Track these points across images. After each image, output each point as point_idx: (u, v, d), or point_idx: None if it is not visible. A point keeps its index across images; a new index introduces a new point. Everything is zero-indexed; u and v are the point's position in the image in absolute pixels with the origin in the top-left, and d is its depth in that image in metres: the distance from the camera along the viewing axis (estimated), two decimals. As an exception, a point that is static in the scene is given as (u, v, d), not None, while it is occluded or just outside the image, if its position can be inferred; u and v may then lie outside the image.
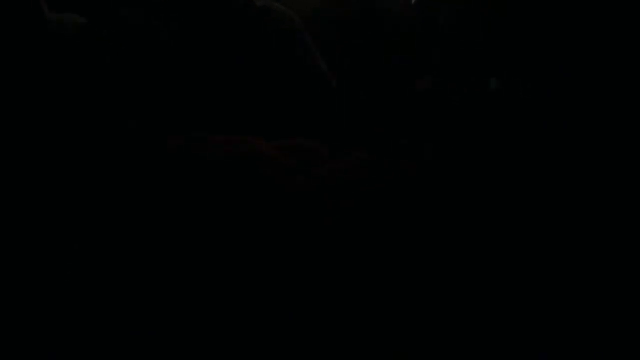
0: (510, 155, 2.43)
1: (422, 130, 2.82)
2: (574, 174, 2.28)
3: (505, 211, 2.05)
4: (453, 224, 1.99)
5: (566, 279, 1.85)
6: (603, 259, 1.90)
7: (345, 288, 1.81)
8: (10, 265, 1.85)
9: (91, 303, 1.76)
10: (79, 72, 2.70)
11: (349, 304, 1.77)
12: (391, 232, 1.96)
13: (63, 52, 2.70)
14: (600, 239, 1.96)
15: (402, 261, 1.88)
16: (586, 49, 2.86)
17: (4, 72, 2.54)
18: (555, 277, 1.85)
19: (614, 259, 1.91)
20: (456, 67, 3.18)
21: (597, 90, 2.76)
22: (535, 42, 3.00)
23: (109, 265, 1.86)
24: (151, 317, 1.74)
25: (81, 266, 1.85)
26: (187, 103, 2.78)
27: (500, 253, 1.91)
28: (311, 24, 3.10)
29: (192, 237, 1.92)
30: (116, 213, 2.01)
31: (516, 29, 3.07)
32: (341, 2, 3.37)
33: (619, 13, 2.82)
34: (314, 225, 1.96)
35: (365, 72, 3.28)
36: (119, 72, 2.75)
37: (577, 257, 1.91)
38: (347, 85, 3.10)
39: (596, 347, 1.70)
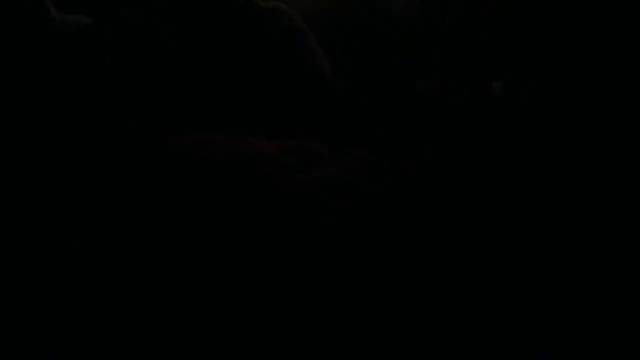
0: (510, 155, 2.43)
1: (422, 130, 2.81)
2: (575, 174, 2.28)
3: (506, 211, 2.05)
4: (453, 224, 1.99)
5: (566, 279, 1.85)
6: (603, 259, 1.90)
7: (345, 288, 1.81)
8: (9, 265, 1.84)
9: (91, 303, 1.76)
10: (80, 72, 2.70)
11: (348, 304, 1.77)
12: (391, 232, 1.95)
13: (64, 51, 2.70)
14: (601, 239, 1.96)
15: (402, 261, 1.88)
16: (587, 50, 2.86)
17: (6, 70, 2.55)
18: (556, 277, 1.85)
19: (614, 259, 1.91)
20: (457, 67, 3.18)
21: (598, 91, 2.76)
22: (536, 42, 2.99)
23: (109, 264, 1.86)
24: (151, 317, 1.74)
25: (81, 266, 1.85)
26: (187, 103, 2.78)
27: (500, 253, 1.91)
28: (311, 24, 3.10)
29: (192, 236, 1.92)
30: (116, 213, 2.01)
31: (517, 29, 3.07)
32: (341, 2, 3.37)
33: (619, 13, 2.82)
34: (314, 225, 1.96)
35: (365, 72, 3.27)
36: (119, 72, 2.75)
37: (577, 258, 1.91)
38: (347, 85, 3.10)
39: (596, 347, 1.70)
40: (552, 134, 2.57)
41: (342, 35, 3.32)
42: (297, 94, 2.91)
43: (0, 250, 1.87)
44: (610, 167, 2.31)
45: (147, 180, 2.12)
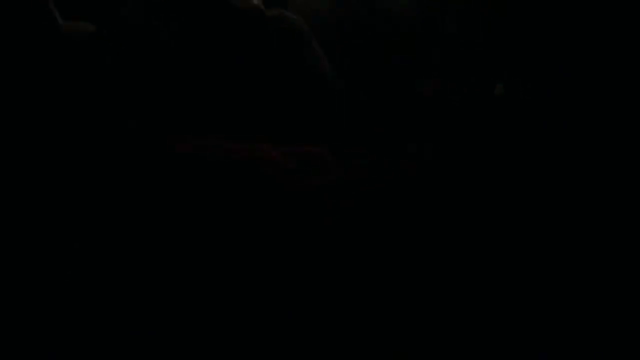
0: (510, 155, 2.43)
1: (422, 130, 2.82)
2: (574, 173, 2.28)
3: (505, 211, 2.05)
4: (453, 224, 1.99)
5: (566, 279, 1.85)
6: (603, 259, 1.90)
7: (345, 287, 1.81)
8: (10, 265, 1.85)
9: (91, 303, 1.76)
10: (81, 72, 2.70)
11: (348, 304, 1.77)
12: (391, 232, 1.95)
13: (69, 56, 2.72)
14: (600, 239, 1.96)
15: (402, 260, 1.88)
16: (586, 49, 2.86)
17: (11, 73, 2.56)
18: (555, 277, 1.85)
19: (614, 259, 1.91)
20: (457, 67, 3.18)
21: (597, 90, 2.76)
22: (536, 42, 3.00)
23: (109, 264, 1.86)
24: (151, 317, 1.74)
25: (81, 266, 1.85)
26: (187, 103, 2.78)
27: (500, 253, 1.91)
28: (311, 24, 3.11)
29: (192, 235, 1.92)
30: (116, 212, 2.01)
31: (516, 29, 3.07)
32: (341, 2, 3.37)
33: (619, 13, 2.83)
34: (314, 225, 1.96)
35: (365, 72, 3.28)
36: (119, 72, 2.75)
37: (577, 257, 1.91)
38: (347, 85, 3.10)
39: (596, 347, 1.70)
40: (552, 133, 2.57)
41: (342, 35, 3.32)
42: (297, 94, 2.91)
43: (0, 249, 1.87)
44: (610, 166, 2.31)
45: (146, 180, 2.12)
